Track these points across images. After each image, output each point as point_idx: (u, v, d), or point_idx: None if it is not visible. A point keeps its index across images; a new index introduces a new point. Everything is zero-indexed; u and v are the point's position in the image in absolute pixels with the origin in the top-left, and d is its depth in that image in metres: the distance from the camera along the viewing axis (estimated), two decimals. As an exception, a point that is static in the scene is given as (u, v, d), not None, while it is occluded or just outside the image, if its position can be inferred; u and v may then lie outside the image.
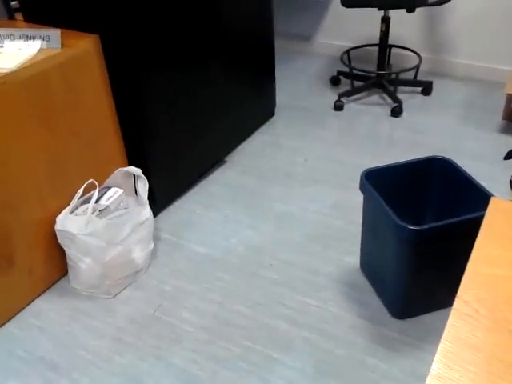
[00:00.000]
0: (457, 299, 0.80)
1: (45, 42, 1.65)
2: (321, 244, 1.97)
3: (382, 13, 2.80)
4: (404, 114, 2.76)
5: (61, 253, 1.79)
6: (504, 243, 0.89)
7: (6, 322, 1.71)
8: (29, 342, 1.64)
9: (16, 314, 1.74)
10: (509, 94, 2.54)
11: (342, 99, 2.84)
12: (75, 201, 1.75)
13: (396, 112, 2.74)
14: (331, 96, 2.95)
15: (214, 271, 1.87)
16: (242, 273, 1.86)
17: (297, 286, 1.80)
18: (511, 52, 2.86)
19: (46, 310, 1.75)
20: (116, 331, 1.66)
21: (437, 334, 1.57)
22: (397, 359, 1.54)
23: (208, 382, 1.50)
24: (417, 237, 1.45)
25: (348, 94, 2.90)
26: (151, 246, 1.89)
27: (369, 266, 1.81)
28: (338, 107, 2.82)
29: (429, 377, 0.70)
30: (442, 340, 0.74)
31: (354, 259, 1.88)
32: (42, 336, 1.66)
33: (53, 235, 1.74)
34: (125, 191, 1.86)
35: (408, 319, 1.65)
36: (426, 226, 1.45)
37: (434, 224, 1.46)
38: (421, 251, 1.51)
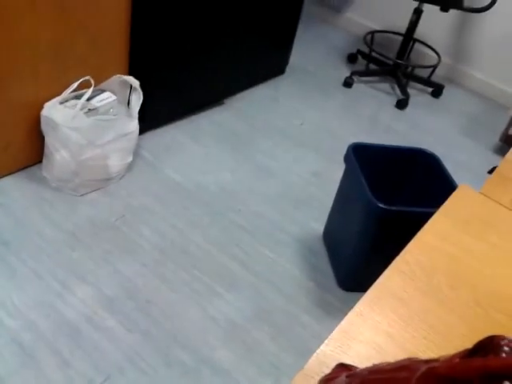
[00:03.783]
0: (399, 257, 0.83)
1: None
2: (292, 204, 2.00)
3: (416, 4, 2.78)
4: (408, 108, 2.77)
5: (40, 140, 1.78)
6: (457, 224, 0.92)
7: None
8: (-13, 214, 1.66)
9: (-19, 185, 1.75)
10: (512, 117, 2.56)
11: (353, 77, 2.83)
12: (67, 93, 1.74)
13: (401, 104, 2.75)
14: (344, 71, 2.94)
15: (184, 200, 1.89)
16: (210, 209, 1.89)
17: (258, 235, 1.83)
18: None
19: (13, 189, 1.76)
20: (74, 227, 1.69)
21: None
22: (331, 324, 1.58)
23: (148, 294, 1.54)
24: (383, 215, 1.49)
25: (361, 73, 2.89)
26: (130, 158, 1.89)
27: (331, 235, 1.85)
28: (348, 84, 2.82)
29: (350, 312, 0.73)
30: (373, 285, 0.77)
31: (318, 226, 1.91)
32: (2, 211, 1.68)
33: (37, 120, 1.73)
34: (118, 99, 1.86)
35: (352, 292, 1.70)
36: (394, 208, 1.48)
37: (402, 208, 1.50)
38: (384, 230, 1.54)
